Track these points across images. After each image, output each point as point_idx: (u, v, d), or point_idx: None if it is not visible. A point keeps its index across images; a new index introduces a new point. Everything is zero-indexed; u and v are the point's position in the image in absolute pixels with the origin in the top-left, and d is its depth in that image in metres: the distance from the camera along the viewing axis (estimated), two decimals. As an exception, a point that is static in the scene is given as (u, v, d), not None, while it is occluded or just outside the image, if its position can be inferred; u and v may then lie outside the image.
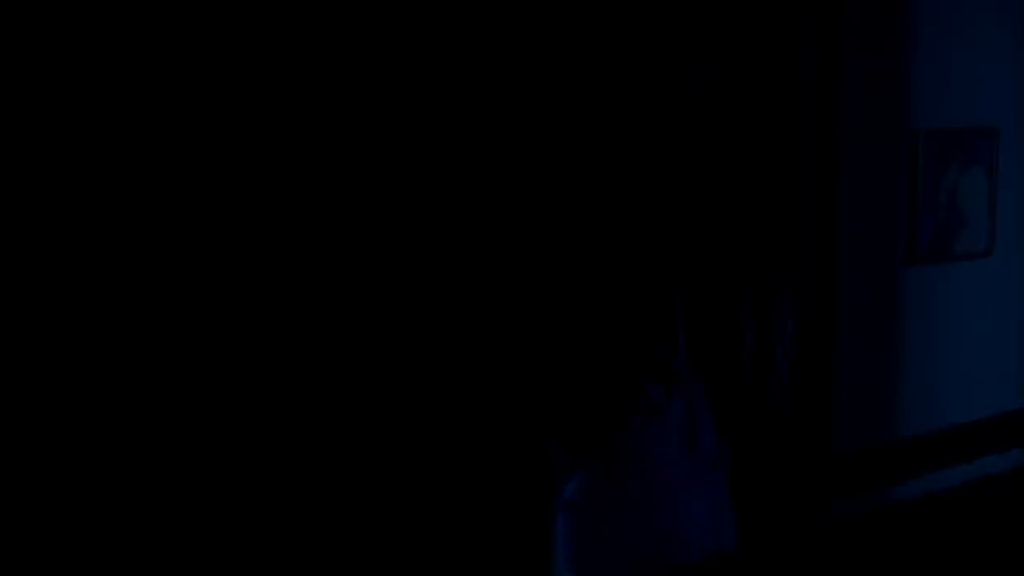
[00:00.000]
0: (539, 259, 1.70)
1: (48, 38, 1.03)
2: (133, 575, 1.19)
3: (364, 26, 1.30)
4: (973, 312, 3.13)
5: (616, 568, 1.56)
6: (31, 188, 1.11)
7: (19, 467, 1.12)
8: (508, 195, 1.70)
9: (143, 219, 1.19)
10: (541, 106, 1.85)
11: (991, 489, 1.67)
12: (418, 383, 1.39)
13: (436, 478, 1.37)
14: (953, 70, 2.99)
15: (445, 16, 1.44)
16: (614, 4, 2.12)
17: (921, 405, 3.03)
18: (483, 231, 1.57)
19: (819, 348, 2.80)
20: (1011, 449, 2.80)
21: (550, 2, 1.94)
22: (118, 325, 1.18)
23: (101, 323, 1.12)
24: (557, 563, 1.59)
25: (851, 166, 2.82)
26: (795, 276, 2.74)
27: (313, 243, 1.36)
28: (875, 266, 2.95)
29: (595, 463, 1.61)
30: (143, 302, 1.14)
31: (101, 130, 1.14)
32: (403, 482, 1.32)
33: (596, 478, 1.60)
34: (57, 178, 1.13)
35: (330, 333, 1.36)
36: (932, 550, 1.53)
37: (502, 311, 1.64)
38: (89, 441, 1.14)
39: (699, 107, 2.37)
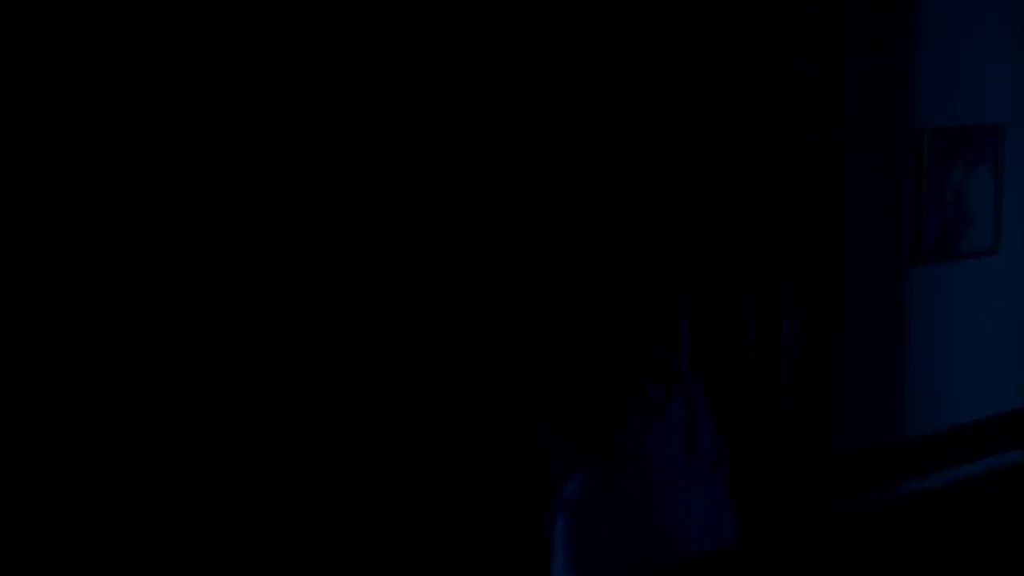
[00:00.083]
0: (539, 260, 1.71)
1: (48, 38, 1.03)
2: (133, 575, 1.19)
3: (367, 26, 1.31)
4: (979, 311, 3.12)
5: (616, 568, 1.56)
6: (31, 188, 1.11)
7: (19, 467, 1.12)
8: (509, 196, 1.70)
9: (143, 219, 1.20)
10: (545, 106, 1.86)
11: (991, 484, 1.66)
12: (417, 382, 1.39)
13: (434, 478, 1.37)
14: (958, 67, 2.98)
15: (447, 16, 1.44)
16: (615, 5, 2.13)
17: (926, 405, 3.03)
18: (484, 231, 1.58)
19: (822, 348, 2.80)
20: (1012, 450, 2.79)
21: (552, 3, 1.94)
22: (117, 325, 1.18)
23: (100, 323, 1.13)
24: (556, 563, 1.60)
25: (855, 165, 2.81)
26: (798, 276, 2.74)
27: (315, 243, 1.36)
28: (880, 265, 2.95)
29: (595, 463, 1.61)
30: (142, 302, 1.14)
31: (101, 130, 1.14)
32: (402, 482, 1.32)
33: (596, 478, 1.60)
34: (57, 178, 1.14)
35: (331, 333, 1.37)
36: (931, 545, 1.53)
37: (503, 311, 1.64)
38: (88, 441, 1.14)
39: (699, 107, 2.37)
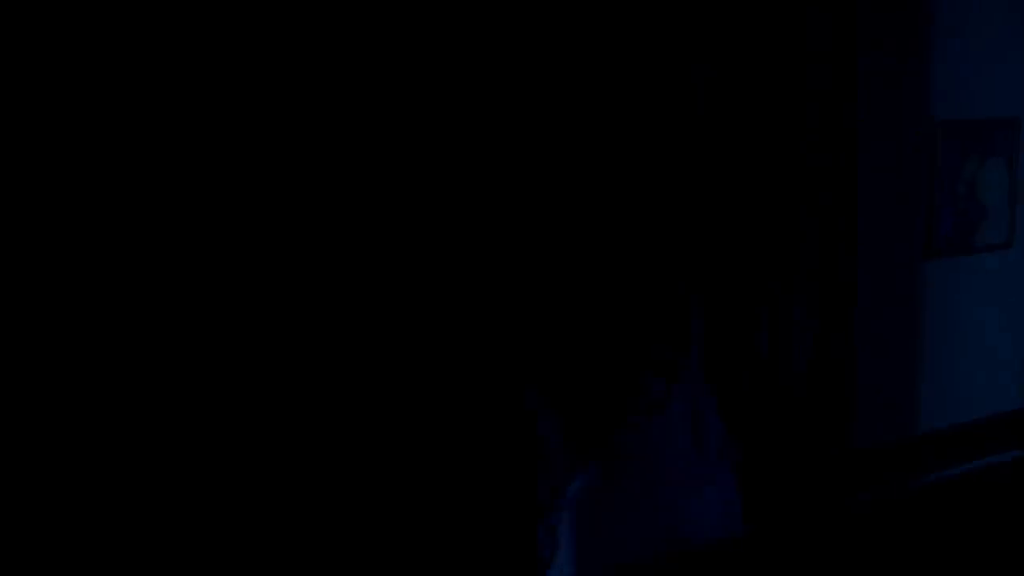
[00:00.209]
0: (542, 261, 1.71)
1: (48, 38, 1.05)
2: (132, 575, 1.21)
3: (368, 26, 1.31)
4: (994, 304, 3.11)
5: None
6: (31, 188, 1.13)
7: (19, 467, 1.14)
8: (512, 193, 1.71)
9: (143, 218, 1.21)
10: (552, 105, 1.86)
11: (993, 477, 1.66)
12: (416, 381, 1.40)
13: (432, 478, 1.38)
14: (972, 61, 2.96)
15: (448, 16, 1.45)
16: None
17: (940, 399, 3.02)
18: (488, 230, 1.58)
19: (835, 342, 2.79)
20: (1015, 448, 2.78)
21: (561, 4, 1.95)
22: (116, 324, 1.20)
23: (98, 322, 1.14)
24: (561, 560, 1.61)
25: (869, 158, 2.80)
26: (812, 271, 2.73)
27: (313, 242, 1.37)
28: (893, 259, 2.94)
29: (598, 462, 1.62)
30: (142, 301, 1.16)
31: (101, 129, 1.16)
32: (398, 481, 1.33)
33: (599, 478, 1.61)
34: (57, 178, 1.15)
35: (327, 332, 1.37)
36: (933, 538, 1.53)
37: (506, 310, 1.65)
38: (85, 441, 1.16)
39: (706, 102, 2.36)
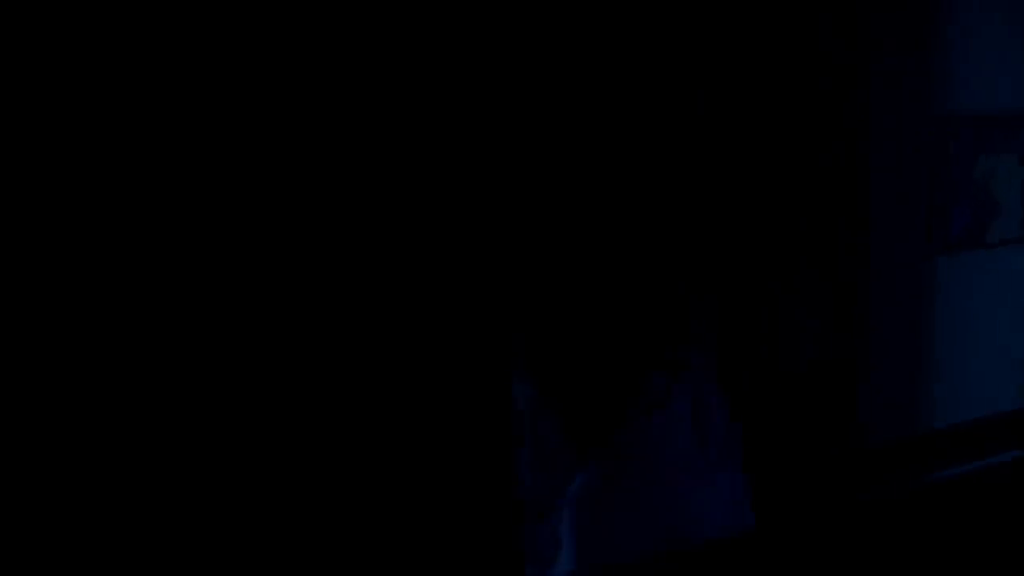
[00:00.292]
0: (541, 258, 1.70)
1: (48, 37, 1.03)
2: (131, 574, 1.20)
3: (367, 25, 1.29)
4: (1007, 300, 3.08)
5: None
6: (31, 188, 1.11)
7: (18, 467, 1.13)
8: (511, 191, 1.69)
9: (142, 218, 1.19)
10: (555, 104, 1.84)
11: (1001, 475, 1.64)
12: (414, 380, 1.38)
13: (416, 476, 1.36)
14: (983, 53, 2.93)
15: (449, 15, 1.42)
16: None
17: (952, 395, 2.99)
18: (486, 225, 1.56)
19: (845, 339, 2.77)
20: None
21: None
22: (114, 324, 1.18)
23: (95, 322, 1.12)
24: (562, 559, 1.59)
25: (879, 153, 2.78)
26: (822, 265, 2.71)
27: (303, 234, 1.34)
28: (905, 255, 2.91)
29: (598, 460, 1.60)
30: (136, 298, 1.14)
31: (101, 129, 1.14)
32: (385, 480, 1.31)
33: (599, 477, 1.59)
34: (56, 178, 1.13)
35: (314, 325, 1.35)
36: (939, 536, 1.51)
37: (503, 306, 1.63)
38: (78, 440, 1.14)
39: (701, 104, 2.34)
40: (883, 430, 2.88)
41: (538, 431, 1.62)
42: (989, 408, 3.02)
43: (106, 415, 1.19)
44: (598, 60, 1.98)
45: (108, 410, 1.19)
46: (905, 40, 2.81)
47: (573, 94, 1.92)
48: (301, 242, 1.29)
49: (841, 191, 2.73)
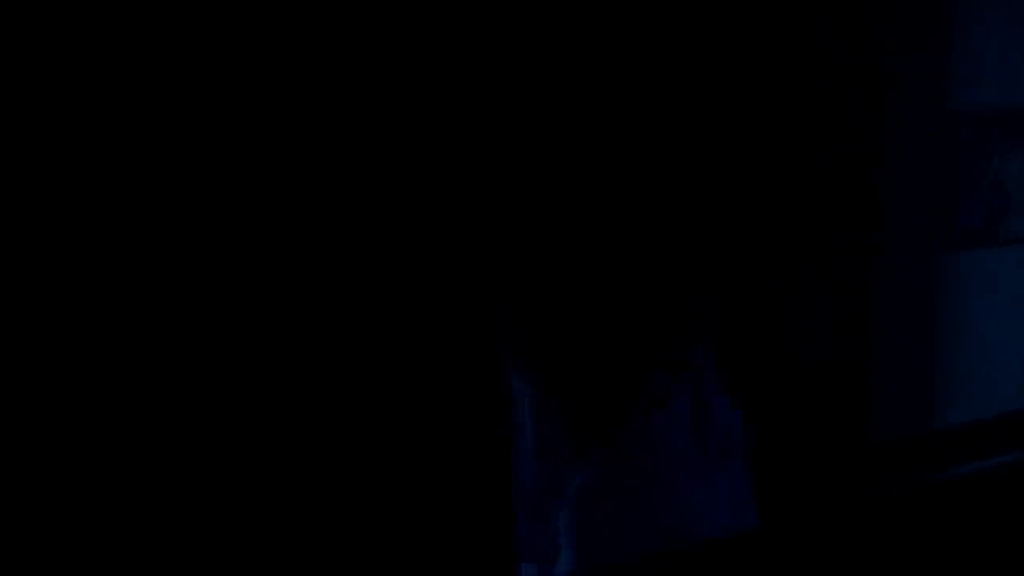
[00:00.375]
0: (542, 257, 1.69)
1: (48, 37, 1.03)
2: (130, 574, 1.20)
3: (366, 24, 1.29)
4: (1020, 297, 3.05)
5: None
6: (31, 188, 1.11)
7: (18, 467, 1.13)
8: (513, 190, 1.68)
9: (139, 216, 1.19)
10: (557, 103, 1.84)
11: (1003, 476, 1.62)
12: (413, 378, 1.37)
13: (410, 475, 1.35)
14: (996, 45, 2.90)
15: (449, 14, 1.41)
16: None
17: (962, 392, 2.97)
18: (486, 225, 1.55)
19: (856, 335, 2.75)
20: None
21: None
22: (113, 323, 1.18)
23: (88, 320, 1.12)
24: (562, 558, 1.59)
25: (891, 147, 2.75)
26: (832, 262, 2.70)
27: (310, 237, 1.34)
28: (917, 250, 2.89)
29: (597, 459, 1.60)
30: (134, 298, 1.13)
31: (101, 129, 1.13)
32: (380, 480, 1.30)
33: (598, 476, 1.58)
34: (56, 177, 1.13)
35: (320, 329, 1.34)
36: (948, 535, 1.50)
37: (503, 304, 1.62)
38: (74, 440, 1.14)
39: (701, 104, 2.33)
40: (892, 428, 2.86)
41: (538, 431, 1.62)
42: (1000, 406, 2.99)
43: (99, 413, 1.18)
44: (606, 55, 1.97)
45: (101, 408, 1.19)
46: (918, 34, 2.78)
47: (585, 93, 1.91)
48: (300, 242, 1.28)
49: (852, 187, 2.71)
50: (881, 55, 2.67)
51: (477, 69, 1.49)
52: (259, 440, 1.27)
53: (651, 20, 2.16)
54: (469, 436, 1.47)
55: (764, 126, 2.51)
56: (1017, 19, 2.93)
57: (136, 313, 1.20)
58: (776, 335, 2.68)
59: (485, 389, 1.46)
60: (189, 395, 1.21)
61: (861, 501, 1.98)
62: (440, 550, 1.37)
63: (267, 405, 1.29)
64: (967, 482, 1.70)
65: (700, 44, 2.32)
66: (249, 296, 1.26)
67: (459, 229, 1.51)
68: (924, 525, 1.54)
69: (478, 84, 1.53)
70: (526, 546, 1.59)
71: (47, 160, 1.14)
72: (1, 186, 1.10)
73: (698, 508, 1.63)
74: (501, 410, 1.50)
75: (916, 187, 2.86)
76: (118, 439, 1.20)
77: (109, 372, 1.21)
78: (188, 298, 1.20)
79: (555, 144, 1.77)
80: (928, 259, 2.92)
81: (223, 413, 1.24)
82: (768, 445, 2.53)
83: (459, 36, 1.47)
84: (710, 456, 1.63)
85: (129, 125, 1.16)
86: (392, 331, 1.40)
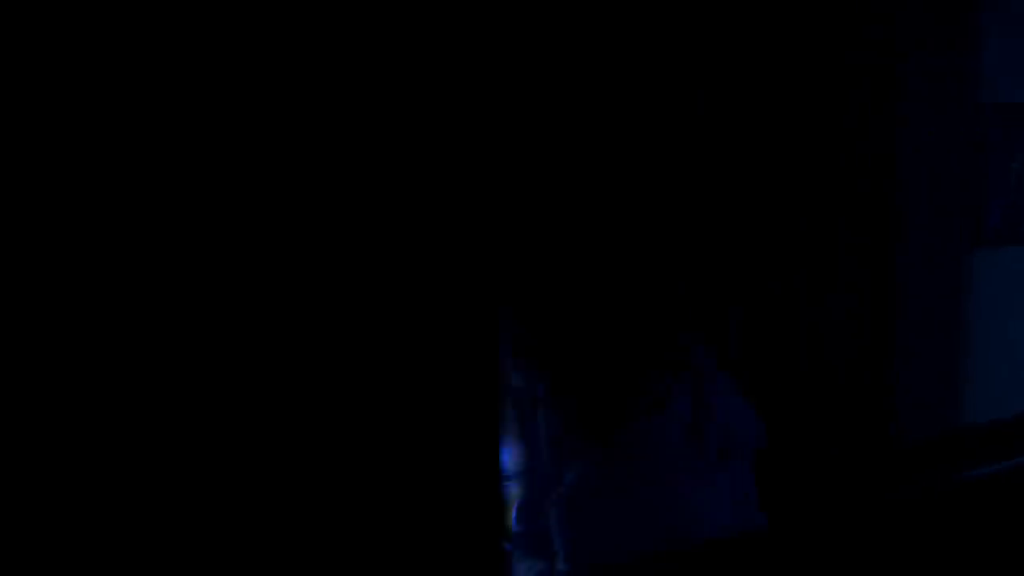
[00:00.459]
0: (543, 256, 1.70)
1: (48, 37, 1.05)
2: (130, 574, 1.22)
3: (366, 23, 1.30)
4: (1046, 295, 3.01)
5: (615, 561, 1.55)
6: (26, 187, 1.13)
7: (18, 467, 1.15)
8: (514, 190, 1.69)
9: (138, 216, 1.21)
10: (560, 102, 1.84)
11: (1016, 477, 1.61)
12: (411, 378, 1.39)
13: (405, 475, 1.36)
14: (1021, 42, 2.86)
15: (449, 14, 1.42)
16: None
17: (987, 392, 2.93)
18: (486, 225, 1.55)
19: (877, 334, 2.73)
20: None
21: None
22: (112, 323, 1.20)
23: (87, 320, 1.14)
24: (556, 560, 1.59)
25: (913, 143, 2.73)
26: (856, 261, 2.67)
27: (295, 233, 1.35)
28: (940, 249, 2.86)
29: (597, 459, 1.60)
30: (134, 298, 1.15)
31: (100, 129, 1.15)
32: (376, 476, 1.31)
33: (597, 476, 1.59)
34: (56, 177, 1.15)
35: (318, 327, 1.36)
36: (970, 535, 1.49)
37: (503, 304, 1.64)
38: (73, 440, 1.16)
39: (701, 102, 2.32)
40: (917, 428, 2.83)
41: (538, 429, 1.63)
42: (1024, 406, 2.95)
43: (97, 413, 1.21)
44: (606, 55, 1.97)
45: (99, 408, 1.21)
46: (941, 29, 2.75)
47: (588, 93, 1.91)
48: (301, 242, 1.29)
49: (874, 185, 2.68)
50: (906, 51, 2.64)
51: (478, 69, 1.50)
52: (256, 436, 1.29)
53: (661, 17, 2.16)
54: (467, 435, 1.48)
55: (786, 125, 2.49)
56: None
57: (136, 313, 1.22)
58: (800, 335, 2.66)
59: (485, 389, 1.48)
60: (188, 391, 1.23)
61: (883, 501, 1.97)
62: (437, 548, 1.38)
63: (266, 402, 1.31)
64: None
65: (713, 46, 2.31)
66: (249, 296, 1.28)
67: (461, 229, 1.52)
68: (950, 524, 1.53)
69: (479, 85, 1.54)
70: (522, 544, 1.60)
71: (47, 160, 1.16)
72: (1, 186, 1.12)
73: (698, 508, 1.63)
74: (501, 408, 1.52)
75: (941, 185, 2.82)
76: (118, 439, 1.23)
77: (109, 372, 1.23)
78: (188, 298, 1.22)
79: (556, 144, 1.78)
80: (954, 257, 2.88)
81: (223, 413, 1.26)
82: (792, 446, 2.52)
83: (461, 37, 1.48)
84: (710, 456, 1.63)
85: (130, 126, 1.18)
86: (392, 331, 1.41)
